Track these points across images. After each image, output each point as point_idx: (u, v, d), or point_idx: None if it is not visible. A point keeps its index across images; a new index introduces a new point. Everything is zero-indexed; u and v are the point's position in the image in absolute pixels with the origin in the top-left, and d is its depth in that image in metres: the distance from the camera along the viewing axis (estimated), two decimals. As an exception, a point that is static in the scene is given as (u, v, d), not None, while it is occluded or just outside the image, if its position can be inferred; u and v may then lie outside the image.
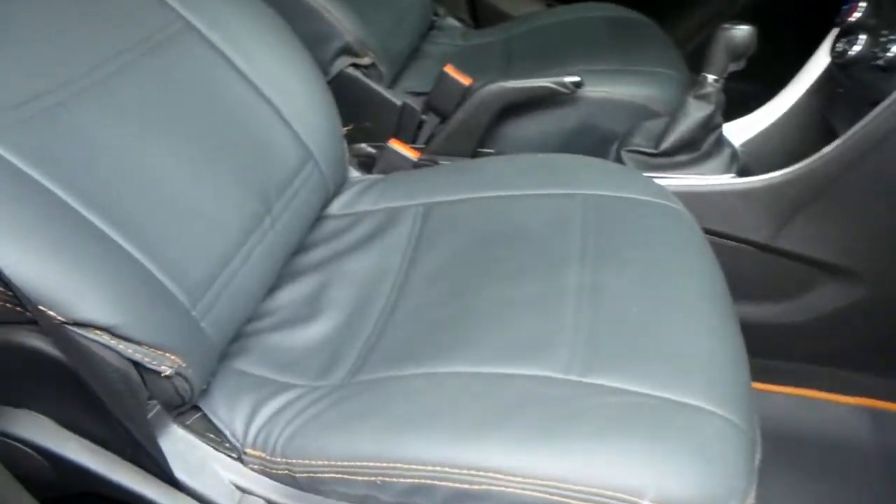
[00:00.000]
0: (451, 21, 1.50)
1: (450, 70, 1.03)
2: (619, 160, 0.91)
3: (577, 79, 0.97)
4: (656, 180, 0.83)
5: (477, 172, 0.84)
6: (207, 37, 0.72)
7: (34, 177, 0.49)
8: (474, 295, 0.63)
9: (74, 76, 0.58)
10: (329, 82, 1.02)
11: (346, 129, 0.85)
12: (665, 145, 0.88)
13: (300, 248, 0.77)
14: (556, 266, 0.65)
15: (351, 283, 0.71)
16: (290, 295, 0.72)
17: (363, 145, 1.06)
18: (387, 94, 1.07)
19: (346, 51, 1.04)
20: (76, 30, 0.61)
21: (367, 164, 1.01)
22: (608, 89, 1.03)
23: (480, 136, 1.02)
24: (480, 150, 1.04)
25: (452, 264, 0.69)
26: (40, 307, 0.44)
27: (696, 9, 1.59)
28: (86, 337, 0.46)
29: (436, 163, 0.98)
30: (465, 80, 1.03)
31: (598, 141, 0.99)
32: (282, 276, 0.73)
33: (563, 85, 0.96)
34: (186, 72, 0.69)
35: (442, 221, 0.77)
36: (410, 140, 1.10)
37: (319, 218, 0.81)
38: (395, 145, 0.90)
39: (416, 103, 1.09)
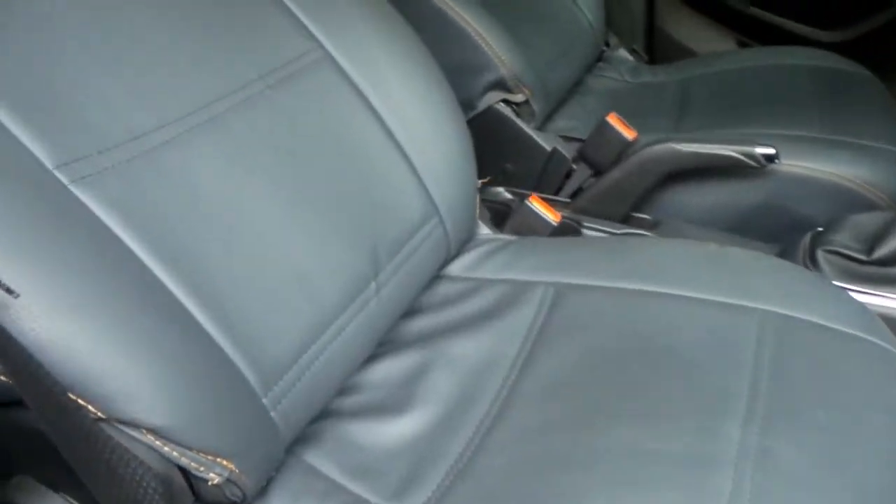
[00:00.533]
0: (623, 53, 1.35)
1: (612, 120, 0.89)
2: (812, 260, 0.72)
3: (771, 151, 0.79)
4: (864, 298, 0.65)
5: (625, 255, 0.70)
6: (345, 69, 0.65)
7: (113, 230, 0.43)
8: (600, 432, 0.50)
9: (188, 110, 0.52)
10: (474, 117, 0.94)
11: (481, 181, 0.75)
12: (883, 251, 0.68)
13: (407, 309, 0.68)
14: (713, 413, 0.50)
15: (454, 372, 0.60)
16: (385, 370, 0.62)
17: (500, 190, 0.95)
18: (536, 136, 0.95)
19: (499, 85, 0.93)
20: (200, 55, 0.55)
21: (500, 213, 0.90)
22: (808, 164, 0.84)
23: (637, 199, 0.87)
24: (634, 213, 0.89)
25: (578, 376, 0.57)
26: (79, 399, 0.37)
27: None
28: (124, 433, 0.39)
29: (579, 224, 0.85)
30: (628, 133, 0.89)
31: (786, 228, 0.81)
32: (380, 340, 0.64)
33: (752, 157, 0.79)
34: (314, 109, 0.61)
35: (573, 312, 0.64)
36: (555, 190, 0.97)
37: (434, 277, 0.72)
38: (535, 203, 0.78)
39: (567, 150, 0.96)
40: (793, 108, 0.99)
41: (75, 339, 0.37)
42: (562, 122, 1.08)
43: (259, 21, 0.62)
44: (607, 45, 1.35)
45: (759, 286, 0.62)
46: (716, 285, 0.62)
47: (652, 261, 0.67)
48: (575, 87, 1.19)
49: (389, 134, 0.66)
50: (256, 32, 0.61)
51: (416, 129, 0.68)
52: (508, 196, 0.94)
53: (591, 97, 1.18)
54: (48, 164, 0.42)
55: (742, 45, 1.40)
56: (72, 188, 0.42)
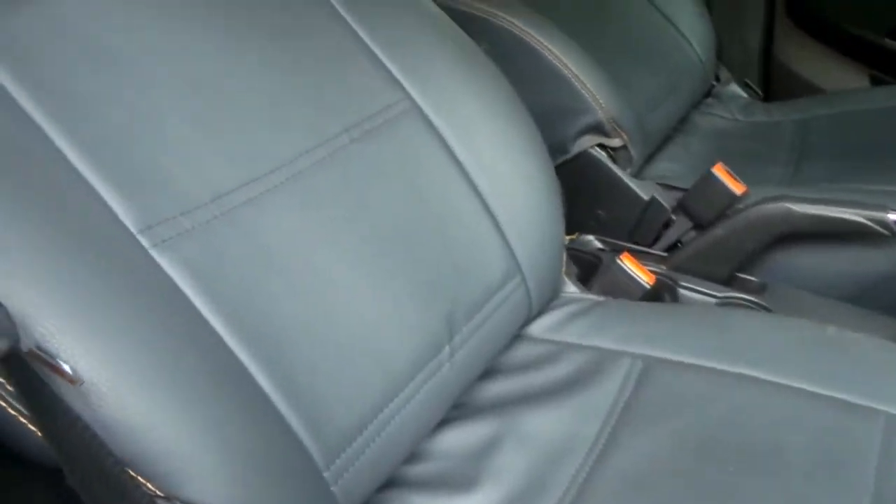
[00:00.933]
0: (734, 88, 1.26)
1: (719, 171, 0.82)
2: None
3: (905, 219, 0.69)
4: None
5: (727, 330, 0.63)
6: (431, 120, 0.63)
7: (189, 298, 0.43)
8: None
9: (272, 167, 0.51)
10: (566, 161, 0.90)
11: (569, 237, 0.71)
12: None
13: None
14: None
15: (527, 450, 0.56)
16: (455, 438, 0.59)
17: (591, 238, 0.90)
18: (633, 184, 0.89)
19: (595, 129, 0.89)
20: (287, 107, 0.55)
21: (589, 265, 0.85)
22: (950, 233, 0.73)
23: (743, 260, 0.79)
24: (739, 274, 0.82)
25: (662, 469, 0.51)
26: (138, 476, 0.37)
27: None
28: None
29: (675, 283, 0.79)
30: (736, 187, 0.81)
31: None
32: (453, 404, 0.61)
33: (883, 224, 0.69)
34: (398, 162, 0.60)
35: (662, 391, 0.58)
36: (651, 241, 0.91)
37: (514, 336, 0.68)
38: (627, 262, 0.73)
39: (666, 199, 0.90)
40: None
41: (143, 417, 0.37)
42: (662, 165, 1.02)
43: (347, 70, 0.60)
44: (717, 79, 1.26)
45: (886, 384, 0.54)
46: (834, 379, 0.54)
47: (758, 341, 0.60)
48: (679, 125, 1.12)
49: (474, 188, 0.63)
50: (343, 82, 0.60)
51: (502, 183, 0.65)
52: (599, 245, 0.89)
53: (697, 137, 1.10)
54: (132, 227, 0.42)
55: (876, 81, 1.27)
56: (152, 253, 0.42)
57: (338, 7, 0.61)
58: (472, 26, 0.87)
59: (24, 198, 0.39)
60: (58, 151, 0.41)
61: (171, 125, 0.47)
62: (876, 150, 0.95)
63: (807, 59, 1.30)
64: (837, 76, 1.28)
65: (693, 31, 1.17)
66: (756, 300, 0.76)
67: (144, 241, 0.42)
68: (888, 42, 1.21)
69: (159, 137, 0.46)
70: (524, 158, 0.68)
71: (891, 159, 0.91)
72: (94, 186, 0.42)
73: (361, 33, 0.62)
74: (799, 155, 1.00)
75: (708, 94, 1.22)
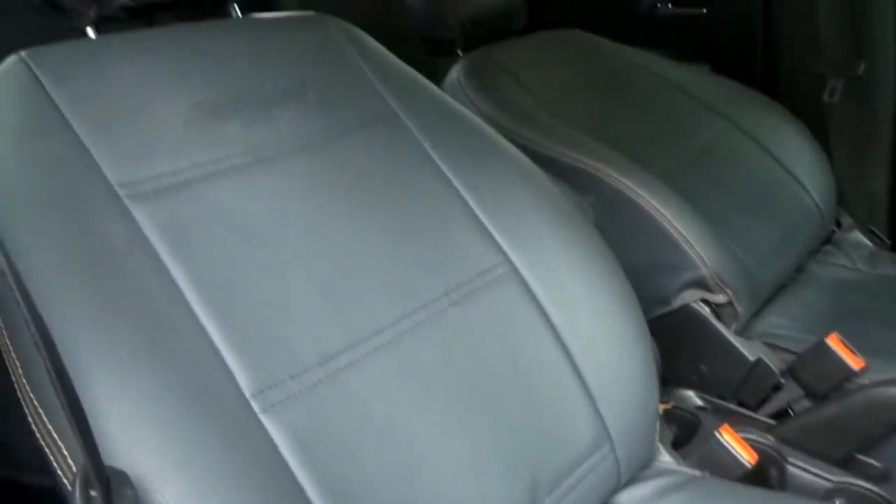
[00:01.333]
0: (858, 236, 1.20)
1: (834, 342, 0.78)
2: None
3: None
4: None
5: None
6: (529, 283, 0.65)
7: (290, 466, 0.46)
8: None
9: (376, 329, 0.55)
10: (667, 314, 0.89)
11: (663, 406, 0.69)
12: None
13: None
14: None
15: None
16: None
17: (690, 394, 0.87)
18: (738, 343, 0.86)
19: (698, 284, 0.87)
20: (393, 269, 0.59)
21: (687, 424, 0.82)
22: None
23: (862, 441, 0.73)
24: (858, 455, 0.75)
25: None
26: None
27: None
28: None
29: (783, 459, 0.74)
30: (853, 362, 0.76)
31: None
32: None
33: None
34: (494, 326, 0.62)
35: None
36: (757, 403, 0.86)
37: (601, 505, 0.66)
38: (727, 437, 0.69)
39: (774, 361, 0.85)
40: None
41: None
42: (773, 320, 0.97)
43: (451, 232, 0.65)
44: (839, 224, 1.21)
45: None
46: None
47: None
48: (795, 274, 1.07)
49: (566, 352, 0.64)
50: (448, 245, 0.64)
51: (594, 348, 0.65)
52: (699, 403, 0.86)
53: (813, 290, 1.05)
54: (246, 391, 0.47)
55: None
56: (262, 418, 0.46)
57: (445, 170, 0.67)
58: (577, 179, 0.92)
59: (160, 365, 0.44)
60: (194, 317, 0.47)
61: (295, 293, 0.52)
62: None
63: (942, 208, 1.22)
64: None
65: (810, 177, 1.14)
66: (877, 490, 0.69)
67: (256, 406, 0.46)
68: None
69: (283, 305, 0.51)
70: (618, 323, 0.68)
71: None
72: (220, 350, 0.47)
73: (466, 196, 0.66)
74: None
75: (828, 240, 1.17)
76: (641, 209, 0.88)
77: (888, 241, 1.25)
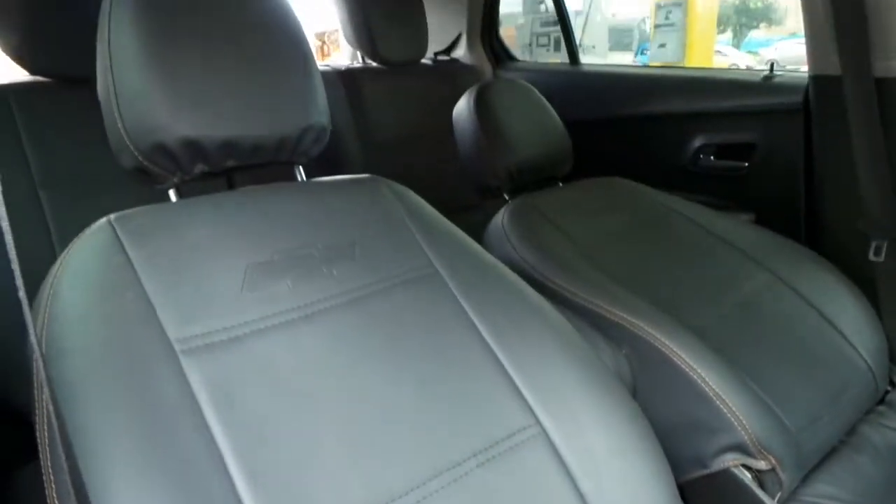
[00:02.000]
0: (915, 399, 1.14)
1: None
2: None
3: None
4: None
5: None
6: (557, 447, 0.66)
7: None
8: None
9: (405, 490, 0.56)
10: (703, 476, 0.86)
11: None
12: None
13: None
14: None
15: None
16: None
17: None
18: (781, 515, 0.82)
19: (739, 449, 0.85)
20: (426, 431, 0.61)
21: None
22: None
23: None
24: None
25: None
26: None
27: None
28: None
29: None
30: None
31: None
32: None
33: None
34: (518, 492, 0.62)
35: None
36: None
37: None
38: None
39: (823, 538, 0.81)
40: None
41: None
42: (822, 487, 0.92)
43: (484, 392, 0.66)
44: (892, 384, 1.16)
45: None
46: None
47: None
48: (847, 438, 1.03)
49: None
50: (480, 404, 0.66)
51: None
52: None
53: (868, 456, 0.99)
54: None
55: None
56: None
57: (482, 330, 0.69)
58: (613, 331, 0.93)
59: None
60: (229, 478, 0.50)
61: (324, 449, 0.55)
62: None
63: None
64: None
65: (859, 335, 1.11)
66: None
67: None
68: None
69: (311, 462, 0.54)
70: (647, 490, 0.67)
71: None
72: (243, 498, 0.49)
73: (500, 355, 0.69)
74: None
75: (881, 400, 1.12)
76: (676, 365, 0.87)
77: (950, 406, 1.18)
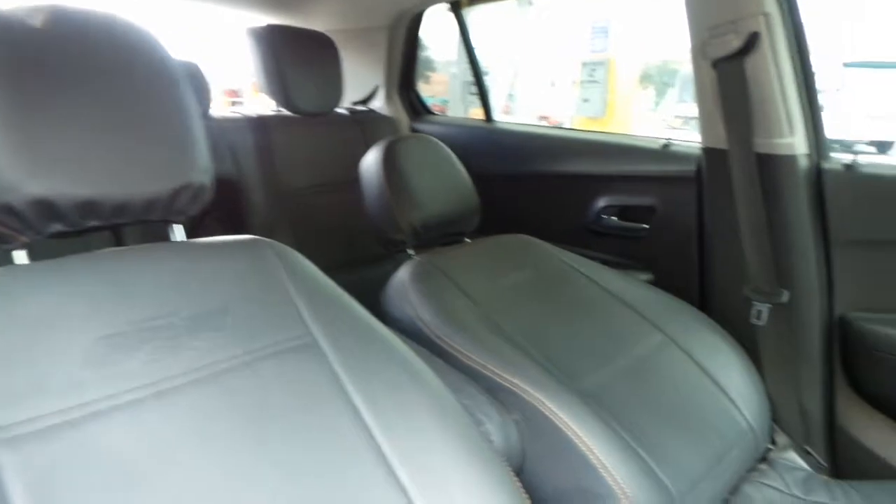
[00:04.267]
0: (793, 457, 1.19)
1: None
2: None
3: None
4: None
5: None
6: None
7: None
8: None
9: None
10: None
11: None
12: None
13: None
14: None
15: None
16: None
17: None
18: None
19: (622, 515, 0.86)
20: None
21: None
22: None
23: None
24: None
25: None
26: None
27: None
28: None
29: None
30: None
31: None
32: None
33: None
34: None
35: None
36: None
37: None
38: None
39: None
40: None
41: None
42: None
43: (352, 474, 0.61)
44: (774, 442, 1.21)
45: None
46: None
47: None
48: (729, 496, 1.06)
49: None
50: (345, 489, 0.60)
51: None
52: None
53: (747, 517, 1.03)
54: None
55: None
56: None
57: (357, 402, 0.66)
58: (504, 396, 0.93)
59: None
60: None
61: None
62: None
63: (874, 434, 1.24)
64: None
65: (744, 397, 1.16)
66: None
67: None
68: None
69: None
70: None
71: None
72: None
73: (378, 434, 0.64)
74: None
75: (763, 458, 1.17)
76: (563, 433, 0.88)
77: (825, 463, 1.25)
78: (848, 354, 1.25)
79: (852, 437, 1.26)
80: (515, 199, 1.84)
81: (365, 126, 1.96)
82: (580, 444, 0.87)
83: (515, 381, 0.93)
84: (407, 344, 0.78)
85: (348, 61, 1.87)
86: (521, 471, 0.90)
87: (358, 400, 0.66)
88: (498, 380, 0.94)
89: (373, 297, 1.09)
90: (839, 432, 1.27)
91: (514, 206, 1.82)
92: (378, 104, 2.14)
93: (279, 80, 1.71)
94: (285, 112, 1.78)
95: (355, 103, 2.11)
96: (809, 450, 1.24)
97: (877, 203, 1.17)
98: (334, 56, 1.80)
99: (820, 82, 1.25)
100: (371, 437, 0.65)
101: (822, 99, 1.26)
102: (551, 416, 0.89)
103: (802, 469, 1.18)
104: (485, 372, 0.95)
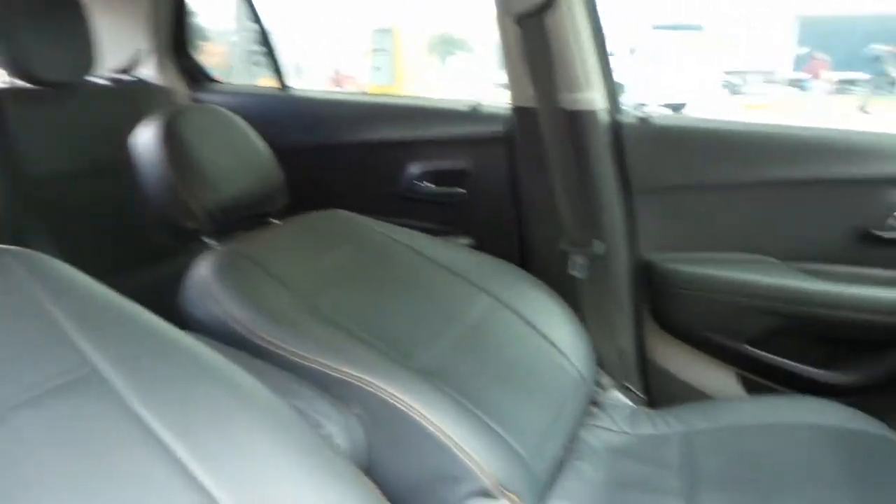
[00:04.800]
0: (618, 396, 1.26)
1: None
2: None
3: None
4: None
5: None
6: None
7: None
8: None
9: None
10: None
11: None
12: None
13: None
14: None
15: None
16: None
17: None
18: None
19: (482, 493, 0.81)
20: None
21: None
22: None
23: None
24: None
25: None
26: None
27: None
28: None
29: None
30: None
31: None
32: None
33: None
34: None
35: None
36: None
37: None
38: None
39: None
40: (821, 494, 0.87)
41: None
42: (557, 504, 0.94)
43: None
44: (600, 385, 1.27)
45: None
46: None
47: None
48: (570, 448, 1.07)
49: None
50: None
51: None
52: None
53: (588, 463, 1.05)
54: None
55: (744, 379, 1.33)
56: None
57: (164, 437, 0.52)
58: (341, 390, 0.83)
59: None
60: None
61: None
62: (762, 481, 0.93)
63: (679, 361, 1.36)
64: (708, 377, 1.34)
65: (572, 348, 1.18)
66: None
67: None
68: (748, 349, 1.29)
69: None
70: None
71: (774, 489, 0.89)
72: None
73: (194, 467, 0.52)
74: (690, 480, 0.96)
75: (593, 402, 1.21)
76: (410, 418, 0.80)
77: (643, 396, 1.34)
78: (654, 294, 1.35)
79: (663, 369, 1.37)
80: (322, 173, 1.70)
81: (135, 97, 1.66)
82: (429, 427, 0.80)
83: (350, 370, 0.83)
84: (218, 350, 0.64)
85: (102, 21, 1.56)
86: (372, 467, 0.82)
87: (167, 436, 0.51)
88: (331, 373, 0.83)
89: (168, 300, 0.91)
90: (652, 366, 1.38)
91: (322, 180, 1.69)
92: (148, 72, 1.84)
93: (6, 42, 1.36)
94: (21, 83, 1.43)
95: (118, 72, 1.79)
96: (629, 386, 1.32)
97: (669, 152, 1.26)
98: (78, 12, 1.47)
99: (616, 43, 1.31)
100: (191, 477, 0.51)
101: (614, 59, 1.32)
102: (395, 402, 0.81)
103: (627, 405, 1.25)
104: (315, 366, 0.84)
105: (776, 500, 0.89)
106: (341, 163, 1.69)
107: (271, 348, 0.86)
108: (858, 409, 1.06)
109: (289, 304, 0.95)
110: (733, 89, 7.67)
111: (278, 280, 0.99)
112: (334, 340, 0.90)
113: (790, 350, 1.28)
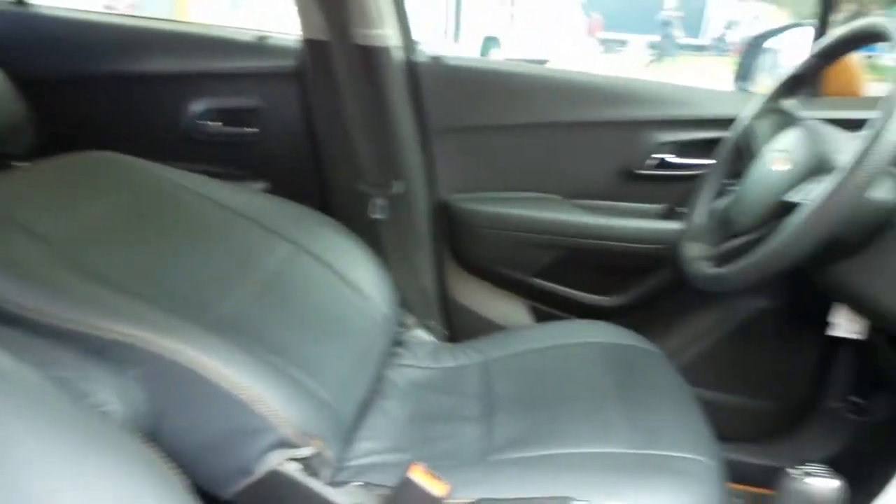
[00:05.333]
0: (421, 334, 1.30)
1: (417, 475, 0.77)
2: None
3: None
4: None
5: None
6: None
7: None
8: None
9: None
10: (252, 484, 0.77)
11: None
12: None
13: None
14: None
15: None
16: None
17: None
18: (332, 496, 0.79)
19: (281, 444, 0.78)
20: None
21: None
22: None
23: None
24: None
25: None
26: None
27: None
28: None
29: None
30: (437, 489, 0.77)
31: None
32: None
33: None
34: None
35: None
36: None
37: None
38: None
39: (373, 500, 0.82)
40: (595, 399, 0.98)
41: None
42: (365, 445, 0.95)
43: None
44: (403, 325, 1.29)
45: None
46: None
47: None
48: (376, 388, 1.09)
49: None
50: None
51: None
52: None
53: (395, 400, 1.08)
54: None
55: (534, 309, 1.45)
56: None
57: None
58: (114, 353, 0.74)
59: None
60: None
61: None
62: (547, 393, 1.03)
63: (476, 296, 1.44)
64: (502, 309, 1.43)
65: (373, 289, 1.18)
66: None
67: None
68: (536, 281, 1.40)
69: None
70: None
71: (560, 404, 0.99)
72: None
73: None
74: (488, 404, 1.03)
75: (398, 342, 1.24)
76: (197, 376, 0.74)
77: (446, 332, 1.40)
78: (452, 233, 1.39)
79: (462, 305, 1.43)
80: (81, 108, 1.45)
81: None
82: (220, 381, 0.75)
83: (127, 331, 0.74)
84: None
85: None
86: (161, 429, 0.74)
87: None
88: (102, 335, 0.73)
89: None
90: (452, 303, 1.44)
91: (80, 117, 1.44)
92: None
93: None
94: None
95: None
96: (432, 323, 1.37)
97: (462, 93, 1.28)
98: None
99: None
100: None
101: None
102: (182, 361, 0.74)
103: (430, 342, 1.29)
104: (83, 330, 0.73)
105: (558, 410, 0.99)
106: (107, 98, 1.46)
107: (26, 314, 0.73)
108: (627, 327, 1.20)
109: (47, 262, 0.81)
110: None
111: (30, 233, 0.84)
112: (106, 299, 0.79)
113: (571, 280, 1.41)
